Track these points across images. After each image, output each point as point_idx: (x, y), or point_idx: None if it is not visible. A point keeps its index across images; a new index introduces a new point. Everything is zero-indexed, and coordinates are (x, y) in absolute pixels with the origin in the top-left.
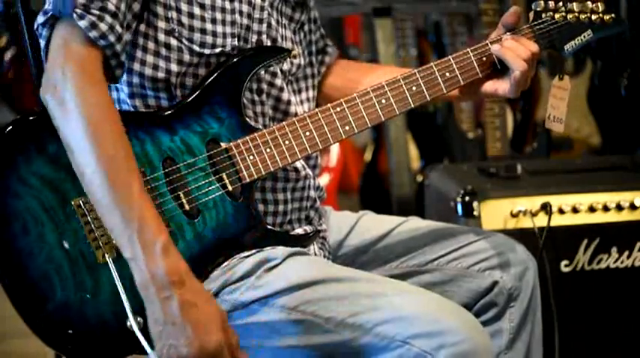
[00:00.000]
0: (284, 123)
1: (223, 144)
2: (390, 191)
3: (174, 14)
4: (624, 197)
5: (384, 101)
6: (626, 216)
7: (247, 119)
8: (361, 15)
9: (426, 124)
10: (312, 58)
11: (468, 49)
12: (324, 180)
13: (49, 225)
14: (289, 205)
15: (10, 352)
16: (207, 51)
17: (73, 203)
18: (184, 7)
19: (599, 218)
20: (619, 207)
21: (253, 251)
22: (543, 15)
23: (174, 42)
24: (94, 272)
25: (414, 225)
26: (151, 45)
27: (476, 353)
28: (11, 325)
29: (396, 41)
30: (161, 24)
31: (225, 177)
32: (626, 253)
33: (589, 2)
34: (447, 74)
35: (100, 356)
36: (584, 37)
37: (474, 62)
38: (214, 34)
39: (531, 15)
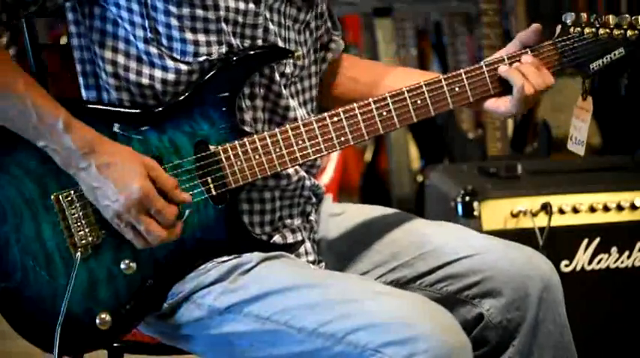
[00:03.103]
0: (277, 130)
1: (212, 148)
2: (390, 191)
3: (151, 23)
4: (624, 197)
5: (384, 113)
6: (626, 216)
7: (240, 123)
8: (361, 15)
9: (427, 124)
10: (315, 56)
11: (483, 64)
12: (324, 180)
13: (27, 217)
14: (277, 202)
15: (10, 352)
16: (189, 59)
17: (52, 197)
18: (161, 17)
19: (600, 218)
20: (619, 207)
21: (231, 256)
22: (571, 30)
23: (154, 50)
24: (68, 266)
25: (406, 224)
26: (133, 51)
27: None
28: None
29: (396, 41)
30: (139, 32)
31: (210, 181)
32: (627, 253)
33: (627, 16)
34: (457, 89)
35: (70, 349)
36: (615, 54)
37: (487, 78)
38: (196, 43)
39: (558, 29)
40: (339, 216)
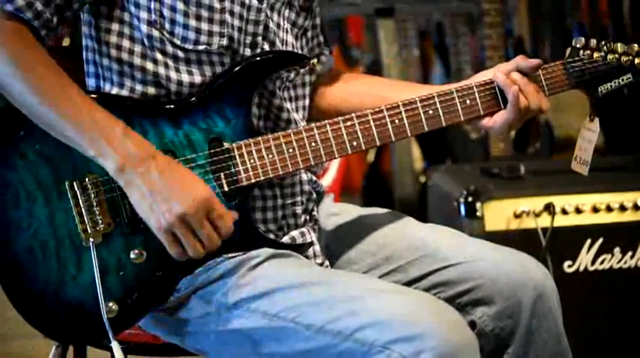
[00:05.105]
0: (291, 130)
1: (226, 144)
2: (392, 191)
3: (156, 5)
4: (627, 197)
5: (397, 121)
6: (629, 216)
7: (254, 123)
8: (363, 15)
9: None
10: (310, 64)
11: (495, 79)
12: (326, 180)
13: (40, 202)
14: (279, 200)
15: (10, 353)
16: (189, 46)
17: (66, 183)
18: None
19: (602, 218)
20: (622, 208)
21: (240, 253)
22: (581, 52)
23: (156, 33)
24: (78, 254)
25: (401, 227)
26: (137, 35)
27: (457, 355)
28: (12, 326)
29: (399, 42)
30: (143, 14)
31: (222, 176)
32: (630, 253)
33: (635, 45)
34: (468, 101)
35: (75, 337)
36: (623, 79)
37: (498, 93)
38: (198, 31)
39: (568, 51)
40: (337, 216)
